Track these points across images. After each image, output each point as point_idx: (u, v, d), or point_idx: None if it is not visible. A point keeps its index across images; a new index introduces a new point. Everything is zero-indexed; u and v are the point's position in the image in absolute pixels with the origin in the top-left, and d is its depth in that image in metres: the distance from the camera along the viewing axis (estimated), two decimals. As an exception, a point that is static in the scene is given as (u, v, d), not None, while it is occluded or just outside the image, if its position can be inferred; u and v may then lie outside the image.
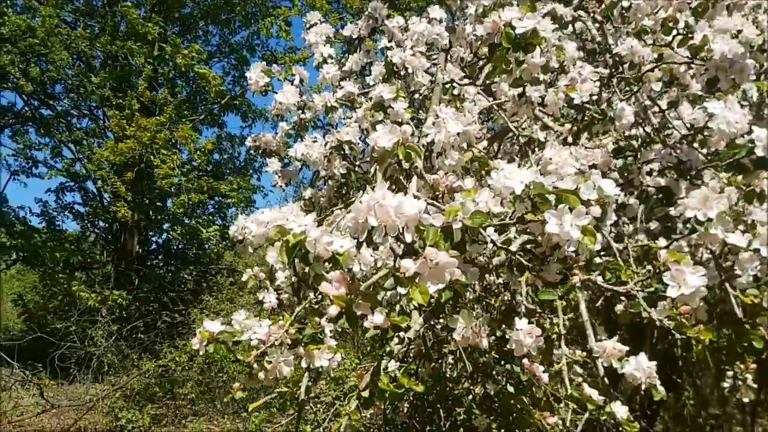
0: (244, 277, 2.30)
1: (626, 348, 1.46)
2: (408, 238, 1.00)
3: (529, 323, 1.45)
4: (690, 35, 1.70)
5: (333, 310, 0.98)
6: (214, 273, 10.46)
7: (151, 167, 9.34)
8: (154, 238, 12.07)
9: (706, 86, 1.71)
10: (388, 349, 1.66)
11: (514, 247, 1.27)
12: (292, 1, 10.81)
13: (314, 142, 2.00)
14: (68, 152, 10.80)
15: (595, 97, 1.78)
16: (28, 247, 9.21)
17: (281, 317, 1.56)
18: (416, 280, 0.94)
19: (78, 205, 11.16)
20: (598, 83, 1.79)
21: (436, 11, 2.17)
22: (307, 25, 2.48)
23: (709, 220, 1.40)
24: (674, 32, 1.74)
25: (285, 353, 1.35)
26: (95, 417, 7.00)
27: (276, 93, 2.21)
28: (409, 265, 0.99)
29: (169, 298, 9.36)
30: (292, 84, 2.26)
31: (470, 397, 2.38)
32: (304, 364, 1.40)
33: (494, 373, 2.18)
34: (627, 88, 1.92)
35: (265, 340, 1.33)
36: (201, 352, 1.35)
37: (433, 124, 1.59)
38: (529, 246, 1.21)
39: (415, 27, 2.19)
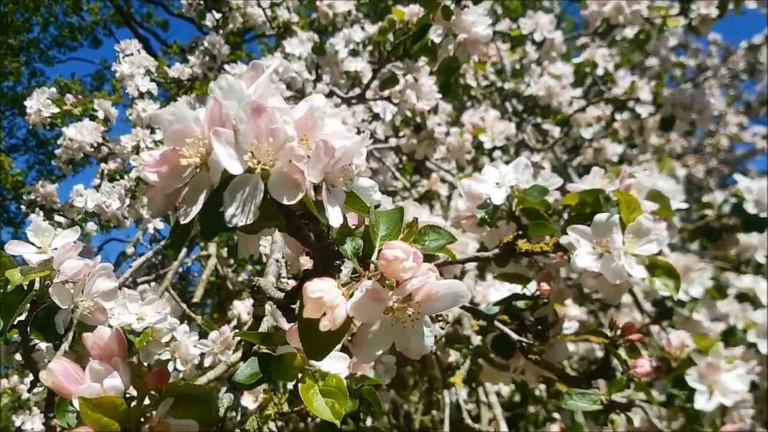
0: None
1: None
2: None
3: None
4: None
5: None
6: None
7: None
8: None
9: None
10: None
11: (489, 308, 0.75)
12: (113, 86, 10.01)
13: (113, 187, 1.38)
14: None
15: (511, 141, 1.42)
16: None
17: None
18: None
19: None
20: (514, 123, 1.44)
21: (294, 45, 1.74)
22: (121, 55, 1.90)
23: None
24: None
25: None
26: None
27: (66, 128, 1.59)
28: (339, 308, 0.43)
29: None
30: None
31: None
32: None
33: None
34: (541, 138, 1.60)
35: None
36: None
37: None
38: (521, 305, 0.70)
39: (268, 62, 1.73)
